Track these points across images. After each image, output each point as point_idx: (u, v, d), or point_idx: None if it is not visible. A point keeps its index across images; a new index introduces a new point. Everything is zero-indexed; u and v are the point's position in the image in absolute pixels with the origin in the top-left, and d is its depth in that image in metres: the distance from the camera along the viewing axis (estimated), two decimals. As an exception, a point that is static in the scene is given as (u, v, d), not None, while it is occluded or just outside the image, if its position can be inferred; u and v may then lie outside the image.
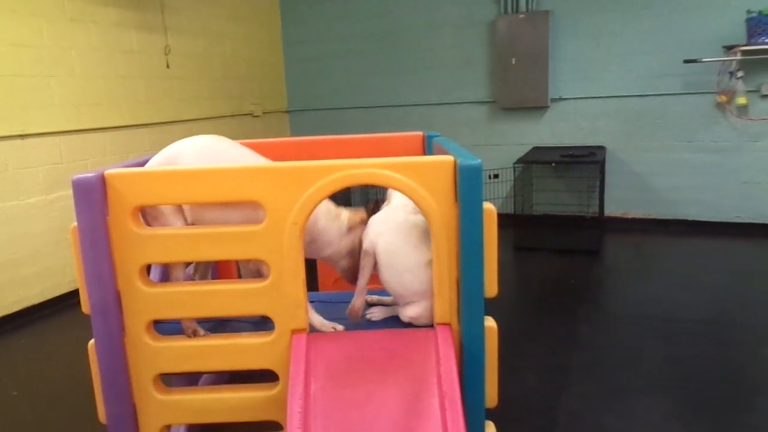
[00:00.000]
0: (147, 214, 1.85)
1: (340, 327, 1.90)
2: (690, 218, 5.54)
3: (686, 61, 5.17)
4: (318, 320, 1.90)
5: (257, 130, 6.41)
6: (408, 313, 1.87)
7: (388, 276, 1.88)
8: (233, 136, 2.18)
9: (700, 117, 5.35)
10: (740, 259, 4.80)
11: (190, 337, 1.85)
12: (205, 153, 1.92)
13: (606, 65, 5.58)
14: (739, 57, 4.96)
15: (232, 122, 6.04)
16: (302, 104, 6.91)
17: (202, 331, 1.88)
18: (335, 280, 2.80)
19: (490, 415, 1.81)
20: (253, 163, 1.94)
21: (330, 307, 2.09)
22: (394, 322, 1.94)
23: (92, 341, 1.79)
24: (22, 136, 3.98)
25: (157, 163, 1.92)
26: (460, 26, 6.07)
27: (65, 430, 2.69)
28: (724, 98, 5.17)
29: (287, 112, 6.97)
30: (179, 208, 1.88)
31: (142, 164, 1.95)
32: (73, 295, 4.27)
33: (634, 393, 2.74)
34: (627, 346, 3.23)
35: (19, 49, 3.93)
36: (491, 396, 1.80)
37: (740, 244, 5.12)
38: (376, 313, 2.03)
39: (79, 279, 1.76)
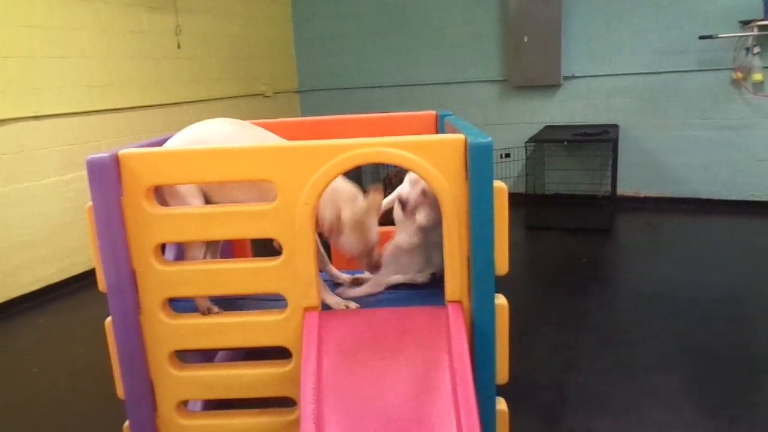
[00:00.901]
0: (165, 194, 1.87)
1: (353, 305, 1.92)
2: (703, 197, 5.49)
3: (701, 37, 5.08)
4: (332, 299, 1.92)
5: (268, 110, 6.41)
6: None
7: None
8: (244, 117, 2.20)
9: (715, 94, 5.28)
10: (754, 237, 4.76)
11: (204, 314, 1.88)
12: (230, 137, 1.94)
13: (619, 42, 5.50)
14: (755, 32, 4.88)
15: (243, 102, 6.04)
16: (313, 84, 6.89)
17: (216, 309, 1.91)
18: (349, 258, 2.82)
19: (501, 391, 1.83)
20: (265, 143, 1.95)
21: (342, 286, 2.12)
22: (406, 300, 1.96)
23: (109, 319, 1.82)
24: (36, 118, 4.01)
25: (179, 144, 1.94)
26: (472, 3, 6.00)
27: (84, 405, 2.75)
28: (739, 75, 5.09)
29: (298, 92, 6.96)
30: (197, 189, 1.90)
31: (156, 144, 1.97)
32: (90, 274, 4.33)
33: (644, 369, 2.75)
34: (638, 324, 3.23)
35: (30, 30, 3.95)
36: (502, 372, 1.82)
37: (754, 223, 5.08)
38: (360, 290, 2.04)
39: (95, 258, 1.79)
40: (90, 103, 4.38)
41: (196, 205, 1.89)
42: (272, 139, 2.06)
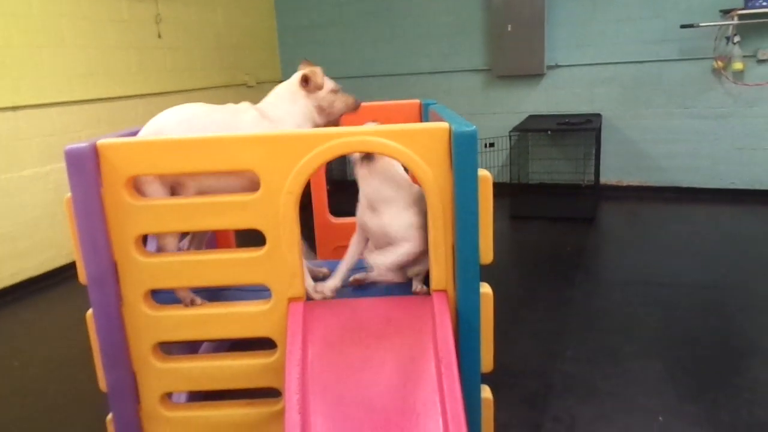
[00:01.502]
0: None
1: (329, 294, 1.89)
2: (685, 185, 5.55)
3: (683, 26, 5.12)
4: (309, 283, 1.89)
5: (251, 100, 6.29)
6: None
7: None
8: (227, 107, 2.17)
9: (696, 83, 5.33)
10: (735, 225, 4.83)
11: (188, 306, 1.86)
12: (190, 122, 1.92)
13: (602, 31, 5.52)
14: (736, 21, 4.92)
15: (226, 92, 5.98)
16: (296, 74, 6.82)
17: (199, 300, 1.89)
18: (334, 248, 2.82)
19: (486, 379, 1.84)
20: (247, 132, 1.93)
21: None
22: (390, 290, 1.95)
23: (90, 311, 1.80)
24: (13, 108, 3.94)
25: (145, 135, 1.91)
26: (455, -8, 5.98)
27: (66, 398, 2.72)
28: (720, 64, 5.14)
29: (281, 81, 6.89)
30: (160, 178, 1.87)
31: (135, 135, 1.94)
32: (71, 267, 4.26)
33: (627, 356, 2.78)
34: (621, 312, 3.27)
35: (8, 18, 3.87)
36: (487, 361, 1.83)
37: (735, 211, 5.14)
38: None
39: (75, 250, 1.76)
40: (70, 93, 4.31)
41: (158, 195, 1.85)
42: (231, 115, 2.02)
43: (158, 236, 1.93)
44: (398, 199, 1.88)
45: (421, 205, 1.84)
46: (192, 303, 1.87)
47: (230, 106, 2.10)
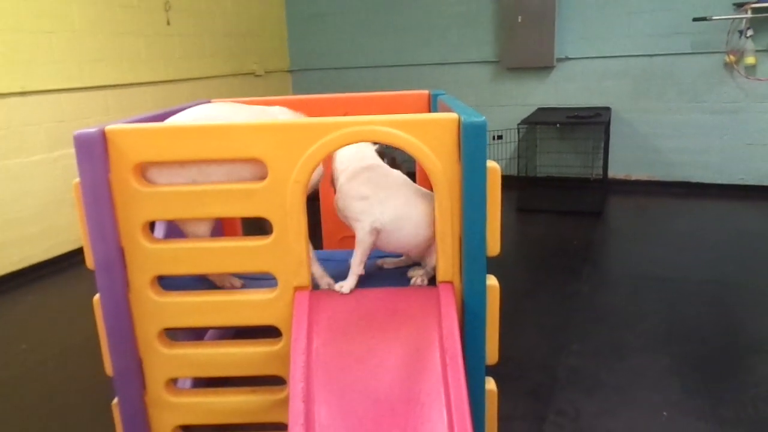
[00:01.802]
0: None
1: (336, 286, 1.88)
2: (694, 180, 5.51)
3: (695, 19, 5.06)
4: (318, 271, 1.88)
5: (259, 89, 6.34)
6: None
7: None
8: (235, 96, 2.18)
9: (707, 77, 5.28)
10: (743, 221, 4.79)
11: (228, 288, 1.94)
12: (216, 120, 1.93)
13: (613, 24, 5.48)
14: (749, 15, 4.86)
15: (234, 81, 5.98)
16: (305, 64, 6.82)
17: (238, 283, 1.95)
18: (341, 238, 2.82)
19: (491, 371, 1.84)
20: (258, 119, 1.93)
21: (334, 266, 2.11)
22: (396, 280, 1.95)
23: (97, 296, 1.81)
24: (23, 93, 3.95)
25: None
26: (466, -18, 5.94)
27: (73, 382, 2.75)
28: (732, 58, 5.09)
29: (290, 71, 6.89)
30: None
31: (145, 121, 1.94)
32: (78, 252, 4.30)
33: (633, 351, 2.78)
34: (627, 306, 3.26)
35: (19, 3, 3.87)
36: (492, 353, 1.82)
37: (744, 206, 5.11)
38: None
39: (83, 235, 1.77)
40: (79, 79, 4.32)
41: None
42: (278, 115, 2.05)
43: (188, 224, 1.90)
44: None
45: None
46: (231, 286, 1.94)
47: (260, 107, 2.09)
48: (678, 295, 3.36)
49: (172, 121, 1.94)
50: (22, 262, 4.03)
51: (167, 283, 1.91)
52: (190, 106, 2.09)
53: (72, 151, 1.68)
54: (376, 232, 1.82)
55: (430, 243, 1.84)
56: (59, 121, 4.20)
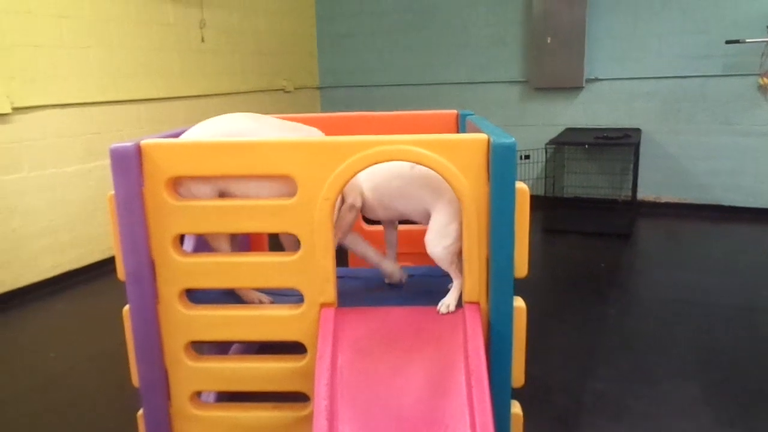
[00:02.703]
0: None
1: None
2: (726, 203, 5.41)
3: (728, 42, 5.01)
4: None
5: (288, 105, 6.42)
6: None
7: None
8: (264, 111, 2.21)
9: (740, 100, 5.20)
10: (777, 247, 4.68)
11: (255, 303, 1.98)
12: (260, 133, 1.96)
13: (644, 45, 5.44)
14: (785, 38, 4.79)
15: (264, 97, 6.06)
16: (334, 81, 6.89)
17: (266, 299, 1.98)
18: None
19: (516, 394, 1.82)
20: (285, 137, 1.95)
21: (361, 283, 2.12)
22: (422, 299, 1.95)
23: (127, 307, 1.83)
24: (61, 106, 4.06)
25: (206, 136, 1.94)
26: (495, 3, 5.97)
27: (100, 391, 2.78)
28: (766, 81, 5.01)
29: (319, 88, 6.97)
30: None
31: (177, 136, 1.98)
32: (108, 262, 4.38)
33: (661, 377, 2.72)
34: (656, 331, 3.19)
35: (60, 20, 4.00)
36: (517, 376, 1.80)
37: (777, 232, 4.99)
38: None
39: (115, 246, 1.80)
40: (115, 93, 4.42)
41: (203, 193, 1.88)
42: (301, 133, 2.07)
43: (211, 239, 1.97)
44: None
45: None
46: (260, 302, 1.98)
47: (292, 123, 2.11)
48: (709, 321, 3.29)
49: (195, 131, 1.97)
50: (53, 270, 4.12)
51: (195, 296, 1.93)
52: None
53: (105, 162, 1.73)
54: (356, 210, 1.95)
55: (425, 207, 1.90)
56: (94, 133, 4.30)
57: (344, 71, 6.80)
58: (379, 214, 2.04)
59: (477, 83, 6.20)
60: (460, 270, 1.82)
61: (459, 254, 1.83)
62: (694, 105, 5.37)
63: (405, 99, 6.48)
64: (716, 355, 2.92)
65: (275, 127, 2.05)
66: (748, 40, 4.94)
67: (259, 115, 2.09)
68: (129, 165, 1.71)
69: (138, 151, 1.73)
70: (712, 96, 5.30)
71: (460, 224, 1.77)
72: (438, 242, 1.83)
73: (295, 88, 6.52)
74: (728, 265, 4.22)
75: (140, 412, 1.91)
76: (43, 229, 4.03)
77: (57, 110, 4.04)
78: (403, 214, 2.00)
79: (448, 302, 1.83)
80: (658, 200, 5.67)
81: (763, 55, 5.01)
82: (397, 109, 2.36)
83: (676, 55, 5.34)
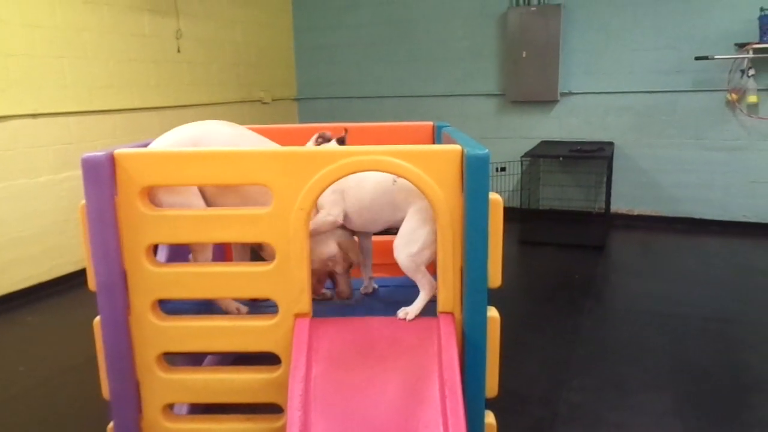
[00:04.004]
0: (160, 192, 1.85)
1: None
2: (696, 216, 5.52)
3: (698, 58, 5.13)
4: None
5: (266, 116, 6.41)
6: None
7: None
8: (242, 122, 2.20)
9: (710, 115, 5.32)
10: (746, 258, 4.78)
11: (234, 313, 1.96)
12: (232, 142, 1.95)
13: (617, 60, 5.55)
14: (751, 55, 4.93)
15: (242, 108, 6.05)
16: (311, 92, 6.90)
17: (244, 309, 1.98)
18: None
19: (490, 404, 1.83)
20: (260, 147, 1.95)
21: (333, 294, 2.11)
22: (396, 309, 1.95)
23: (98, 318, 1.81)
24: (33, 116, 4.00)
25: (175, 142, 1.92)
26: (472, 18, 6.04)
27: (70, 405, 2.72)
28: (734, 96, 5.14)
29: (296, 99, 6.97)
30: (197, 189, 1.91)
31: (146, 146, 1.96)
32: (80, 274, 4.31)
33: (635, 387, 2.75)
34: (629, 341, 3.23)
35: (33, 29, 3.95)
36: (492, 386, 1.81)
37: (746, 243, 5.10)
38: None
39: (86, 256, 1.78)
40: (89, 103, 4.38)
41: (197, 204, 1.88)
42: (270, 145, 2.07)
43: (193, 250, 1.96)
44: None
45: None
46: (238, 311, 1.97)
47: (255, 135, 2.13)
48: (681, 331, 3.34)
49: (161, 140, 1.96)
50: (23, 282, 4.04)
51: (173, 306, 1.91)
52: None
53: (78, 173, 1.71)
54: (336, 224, 1.98)
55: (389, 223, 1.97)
56: (67, 143, 4.24)
57: (322, 83, 6.81)
58: (369, 227, 2.06)
59: (454, 96, 6.26)
60: (428, 281, 1.83)
61: (430, 266, 1.84)
62: (666, 119, 5.49)
63: (383, 111, 6.51)
64: (687, 365, 2.97)
65: (245, 136, 2.04)
66: (717, 57, 5.06)
67: (233, 123, 2.08)
68: (101, 174, 1.70)
69: (111, 160, 1.71)
70: (683, 111, 5.42)
71: (430, 232, 1.78)
72: (402, 249, 1.84)
73: (273, 100, 6.52)
74: (699, 277, 4.30)
75: (110, 425, 1.87)
76: (14, 241, 3.96)
77: (29, 120, 3.98)
78: (389, 222, 2.00)
79: (408, 310, 1.84)
80: (630, 212, 5.76)
81: (730, 71, 5.14)
82: (375, 121, 2.37)
83: (648, 71, 5.46)
